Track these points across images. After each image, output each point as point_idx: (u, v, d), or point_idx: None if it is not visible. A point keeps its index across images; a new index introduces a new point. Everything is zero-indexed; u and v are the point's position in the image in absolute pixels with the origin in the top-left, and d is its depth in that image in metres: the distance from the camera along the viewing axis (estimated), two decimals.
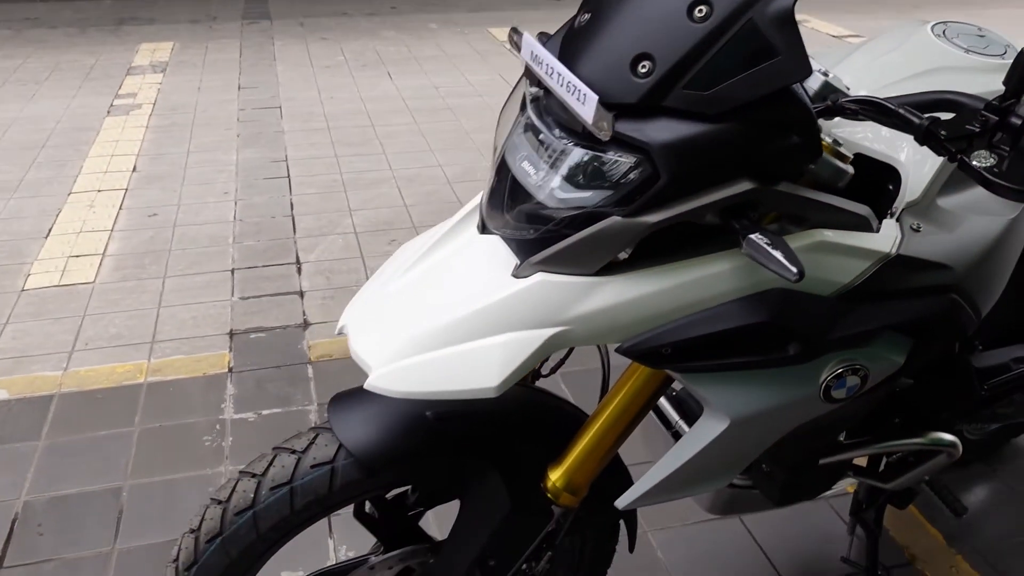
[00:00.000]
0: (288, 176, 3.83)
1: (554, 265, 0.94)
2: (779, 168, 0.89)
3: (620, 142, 0.87)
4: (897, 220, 1.01)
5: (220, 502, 1.14)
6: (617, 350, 0.98)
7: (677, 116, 0.85)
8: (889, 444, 1.28)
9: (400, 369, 0.96)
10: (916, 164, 1.05)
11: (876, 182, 1.07)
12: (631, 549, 1.38)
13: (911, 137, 0.91)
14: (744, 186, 0.87)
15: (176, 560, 1.17)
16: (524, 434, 1.17)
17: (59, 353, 2.55)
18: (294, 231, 3.33)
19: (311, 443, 1.14)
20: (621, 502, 1.14)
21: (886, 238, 0.98)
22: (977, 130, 0.85)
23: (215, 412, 2.31)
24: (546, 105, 0.97)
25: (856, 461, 1.37)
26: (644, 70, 0.85)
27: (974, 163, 0.84)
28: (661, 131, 0.85)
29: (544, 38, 0.97)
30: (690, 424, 1.24)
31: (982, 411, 1.52)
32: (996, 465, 2.14)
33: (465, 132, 4.38)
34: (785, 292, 0.95)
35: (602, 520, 1.35)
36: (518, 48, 0.96)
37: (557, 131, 0.94)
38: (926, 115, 0.88)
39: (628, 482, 1.31)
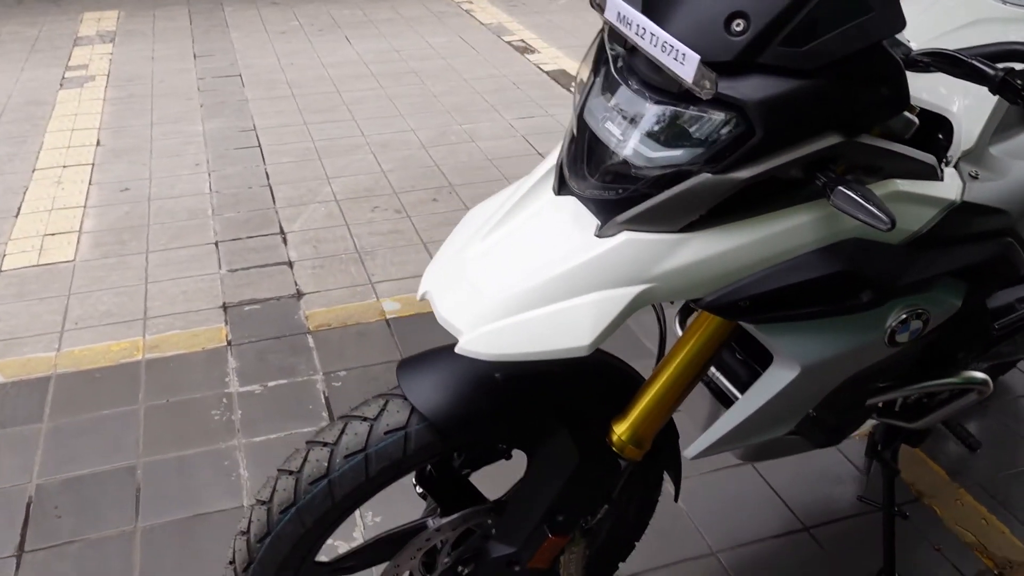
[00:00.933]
0: (259, 145, 3.76)
1: (640, 224, 0.96)
2: (866, 120, 0.91)
3: (712, 99, 0.89)
4: (955, 168, 1.05)
5: (292, 472, 1.15)
6: (700, 304, 1.01)
7: (771, 72, 0.87)
8: (928, 384, 1.34)
9: (492, 332, 0.97)
10: (968, 114, 1.09)
11: (929, 132, 1.10)
12: (676, 498, 1.42)
13: (961, 88, 0.94)
14: (833, 139, 0.90)
15: (247, 532, 1.17)
16: (588, 391, 1.20)
17: (49, 334, 2.49)
18: (273, 201, 3.28)
19: (382, 410, 1.14)
20: (691, 452, 1.17)
21: (951, 186, 1.02)
22: None
23: (220, 386, 2.29)
24: (629, 64, 0.97)
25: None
26: (739, 28, 0.86)
27: None
28: (757, 88, 0.86)
29: None
30: (736, 385, 1.28)
31: (990, 350, 1.59)
32: (986, 403, 2.23)
33: (433, 95, 4.34)
34: (860, 241, 0.98)
35: (652, 472, 1.39)
36: (601, 8, 0.96)
37: (644, 90, 0.95)
38: (999, 65, 0.91)
39: (675, 436, 1.34)
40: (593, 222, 1.00)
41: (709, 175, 0.91)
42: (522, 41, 5.22)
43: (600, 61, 1.02)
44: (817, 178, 0.90)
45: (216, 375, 2.33)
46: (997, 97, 1.09)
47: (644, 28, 0.89)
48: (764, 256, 0.97)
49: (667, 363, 1.17)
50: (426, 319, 2.56)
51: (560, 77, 4.61)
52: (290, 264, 2.86)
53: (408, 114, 4.11)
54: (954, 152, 1.07)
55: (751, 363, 1.26)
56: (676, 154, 0.92)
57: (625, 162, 0.95)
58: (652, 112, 0.93)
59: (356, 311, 2.61)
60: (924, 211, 1.00)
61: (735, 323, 1.12)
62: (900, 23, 0.86)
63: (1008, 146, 1.11)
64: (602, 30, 1.03)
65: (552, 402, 1.17)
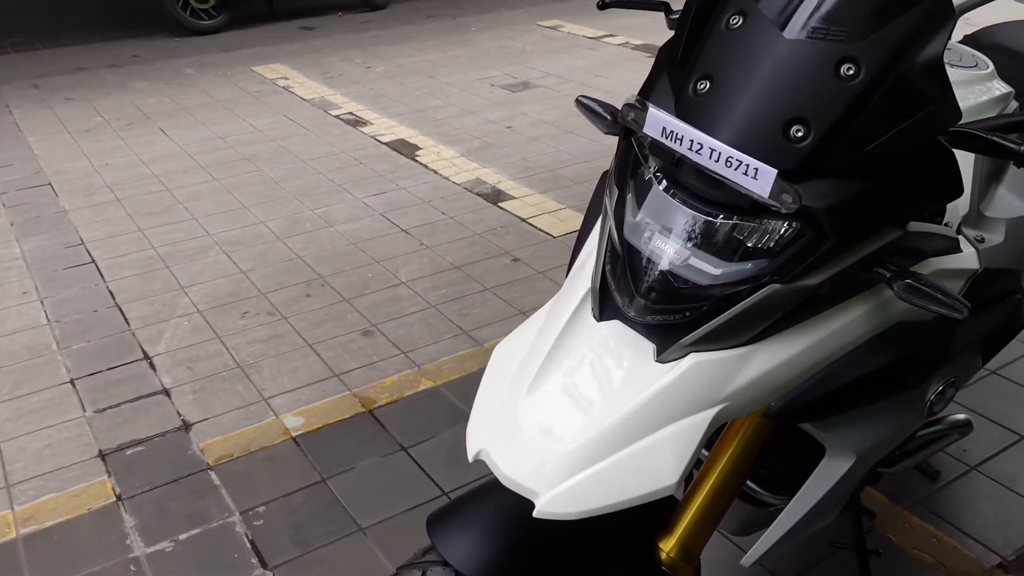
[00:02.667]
0: (93, 261, 3.41)
1: (706, 343, 0.89)
2: (922, 210, 0.90)
3: (772, 209, 0.84)
4: (962, 236, 1.07)
5: None
6: (767, 414, 0.95)
7: (833, 175, 0.83)
8: (922, 434, 1.36)
9: (571, 489, 0.87)
10: None
11: None
12: None
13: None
14: (894, 233, 0.88)
15: None
16: (629, 515, 1.12)
17: None
18: (127, 322, 2.97)
19: None
20: (748, 560, 1.11)
21: (969, 256, 1.03)
22: None
23: (121, 551, 2.00)
24: (674, 177, 0.91)
25: None
26: (799, 134, 0.82)
27: None
28: (824, 194, 0.83)
29: (638, 107, 0.91)
30: (764, 487, 1.25)
31: None
32: None
33: (274, 182, 4.13)
34: (907, 324, 0.97)
35: None
36: (637, 124, 0.89)
37: (697, 204, 0.89)
38: (1014, 136, 0.93)
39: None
40: (648, 347, 0.93)
41: (779, 286, 0.86)
42: (351, 114, 5.11)
43: (633, 175, 0.96)
44: (879, 274, 0.88)
45: (113, 539, 2.04)
46: (974, 158, 1.12)
47: (700, 143, 0.84)
48: (825, 355, 0.94)
49: (708, 471, 1.11)
50: (336, 430, 2.38)
51: (401, 148, 4.53)
52: (166, 392, 2.58)
53: (252, 205, 3.88)
54: (952, 219, 1.09)
55: (775, 461, 1.23)
56: (744, 267, 0.87)
57: (686, 281, 0.89)
58: (712, 228, 0.88)
59: (256, 434, 2.39)
60: (955, 285, 1.01)
61: (775, 424, 1.08)
62: (957, 115, 0.85)
63: (992, 204, 1.14)
64: (627, 144, 0.97)
65: (598, 535, 1.08)
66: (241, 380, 2.63)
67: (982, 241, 1.07)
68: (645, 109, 0.88)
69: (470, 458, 0.95)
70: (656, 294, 0.91)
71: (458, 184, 4.05)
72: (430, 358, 2.72)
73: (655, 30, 6.85)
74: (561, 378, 0.94)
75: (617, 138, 1.23)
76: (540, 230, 3.56)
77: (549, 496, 0.87)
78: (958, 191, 0.91)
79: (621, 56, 6.18)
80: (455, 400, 2.50)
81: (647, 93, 0.96)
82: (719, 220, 0.88)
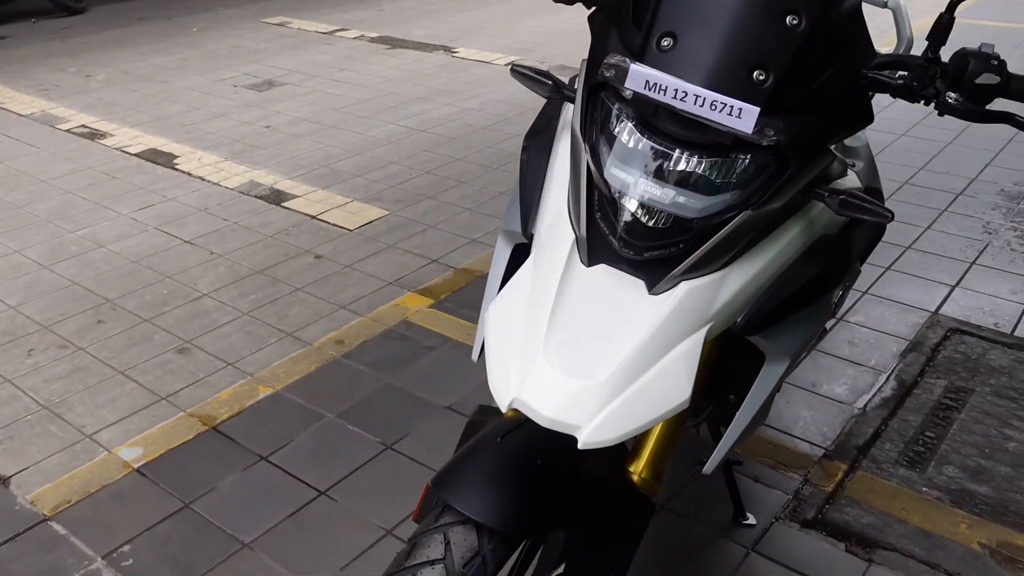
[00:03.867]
0: None
1: (693, 271, 1.00)
2: (843, 136, 1.06)
3: (746, 144, 0.96)
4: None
5: None
6: (734, 332, 1.08)
7: (790, 112, 0.97)
8: None
9: (608, 418, 0.95)
10: None
11: None
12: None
13: None
14: (828, 158, 1.03)
15: None
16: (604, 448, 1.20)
17: None
18: None
19: (447, 543, 1.03)
20: (708, 468, 1.24)
21: (852, 178, 1.23)
22: (937, 77, 1.11)
23: None
24: (652, 126, 1.00)
25: None
26: (762, 78, 0.95)
27: (949, 99, 1.11)
28: (785, 128, 0.96)
29: (621, 64, 0.98)
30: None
31: None
32: None
33: (17, 207, 3.69)
34: (825, 238, 1.14)
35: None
36: (619, 79, 0.97)
37: (674, 147, 0.99)
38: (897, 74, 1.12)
39: None
40: (637, 283, 1.02)
41: (751, 212, 0.99)
42: (84, 127, 4.67)
43: (603, 129, 1.03)
44: (818, 194, 1.04)
45: None
46: None
47: (685, 91, 0.94)
48: (775, 270, 1.09)
49: None
50: (183, 453, 2.23)
51: (155, 157, 4.23)
52: None
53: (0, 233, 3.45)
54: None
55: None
56: (723, 199, 0.99)
57: (675, 218, 0.99)
58: (694, 167, 0.98)
59: (92, 473, 2.17)
60: None
61: (720, 340, 1.22)
62: (872, 54, 1.02)
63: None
64: (591, 101, 1.04)
65: (581, 471, 1.16)
66: (53, 421, 2.37)
67: (854, 166, 1.28)
68: (626, 66, 0.96)
69: (504, 408, 0.99)
70: (648, 233, 1.00)
71: (232, 189, 3.87)
72: (261, 365, 2.62)
73: (387, 23, 6.92)
74: (571, 323, 1.00)
75: (545, 102, 1.31)
76: (335, 225, 3.52)
77: (591, 428, 0.95)
78: (870, 119, 1.10)
79: (361, 50, 6.18)
80: (302, 401, 2.44)
81: (600, 55, 1.04)
82: (701, 160, 0.99)
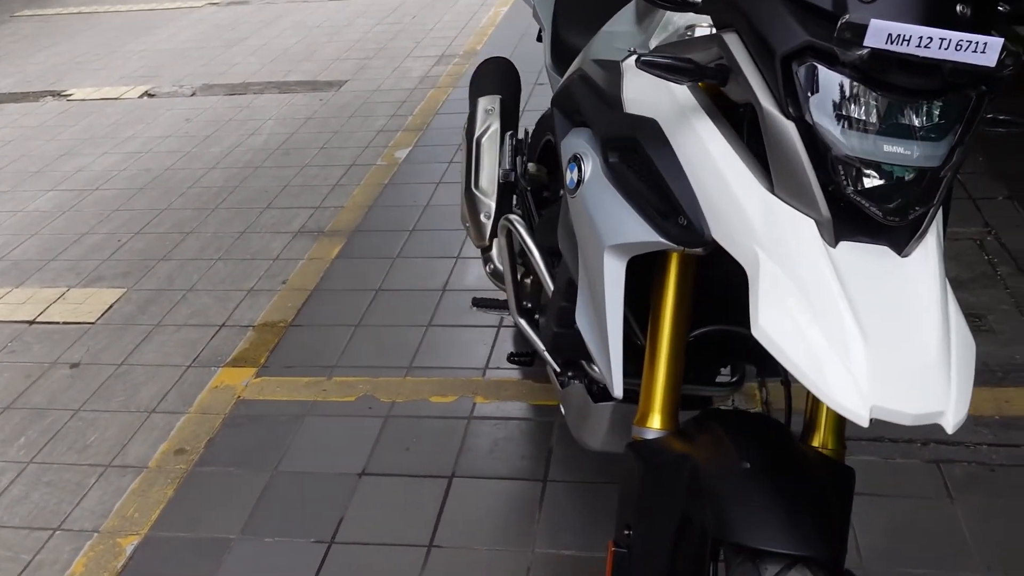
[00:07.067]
0: None
1: (929, 221, 0.98)
2: None
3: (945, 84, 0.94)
4: None
5: None
6: None
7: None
8: None
9: (957, 395, 0.93)
10: None
11: None
12: None
13: None
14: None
15: None
16: None
17: None
18: None
19: None
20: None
21: None
22: None
23: None
24: (881, 82, 0.93)
25: None
26: (967, 11, 0.93)
27: None
28: (1009, 55, 0.94)
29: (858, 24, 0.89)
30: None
31: None
32: None
33: None
34: None
35: None
36: (856, 41, 0.88)
37: (913, 98, 0.94)
38: None
39: None
40: (882, 250, 0.97)
41: (962, 149, 0.98)
42: None
43: (817, 97, 0.94)
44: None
45: None
46: None
47: (930, 37, 0.88)
48: None
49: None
50: None
51: None
52: None
53: None
54: None
55: None
56: (949, 142, 0.96)
57: (920, 172, 0.95)
58: (930, 114, 0.94)
59: None
60: None
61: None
62: None
63: None
64: (787, 75, 0.94)
65: (807, 462, 1.11)
66: None
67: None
68: (865, 22, 0.88)
69: (866, 423, 0.88)
70: (906, 193, 0.95)
71: None
72: (100, 515, 2.07)
73: None
74: (865, 309, 0.94)
75: None
76: (69, 323, 2.87)
77: (952, 409, 0.92)
78: None
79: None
80: (187, 535, 1.98)
81: (767, 27, 0.95)
82: (933, 106, 0.94)
